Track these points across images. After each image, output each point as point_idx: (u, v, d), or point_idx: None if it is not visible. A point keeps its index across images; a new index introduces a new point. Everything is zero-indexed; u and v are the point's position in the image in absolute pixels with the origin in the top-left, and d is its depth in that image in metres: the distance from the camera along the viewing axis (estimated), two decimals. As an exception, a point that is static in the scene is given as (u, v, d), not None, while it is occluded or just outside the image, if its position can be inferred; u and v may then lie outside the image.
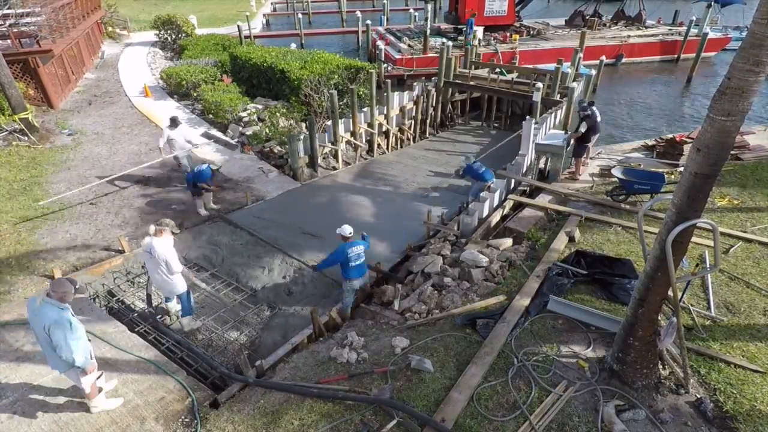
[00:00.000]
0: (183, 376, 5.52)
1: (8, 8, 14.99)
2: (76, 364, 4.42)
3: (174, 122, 10.38)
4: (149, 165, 11.11)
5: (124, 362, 5.69)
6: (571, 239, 7.55)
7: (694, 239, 6.22)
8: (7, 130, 12.62)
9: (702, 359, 5.05)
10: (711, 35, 26.20)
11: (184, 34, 25.55)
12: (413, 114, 16.45)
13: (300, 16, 32.43)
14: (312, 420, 4.68)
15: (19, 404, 5.03)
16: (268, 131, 13.55)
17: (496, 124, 17.89)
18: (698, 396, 4.62)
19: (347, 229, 7.09)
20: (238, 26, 27.46)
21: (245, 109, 14.80)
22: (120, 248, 8.19)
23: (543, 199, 9.30)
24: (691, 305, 5.84)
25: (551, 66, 16.59)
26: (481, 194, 9.62)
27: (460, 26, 26.51)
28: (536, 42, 26.37)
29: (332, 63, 15.70)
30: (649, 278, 4.27)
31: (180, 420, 4.92)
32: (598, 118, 10.03)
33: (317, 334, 6.57)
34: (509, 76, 17.43)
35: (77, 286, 4.52)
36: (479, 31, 24.46)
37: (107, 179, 10.57)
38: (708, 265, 6.63)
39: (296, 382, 5.26)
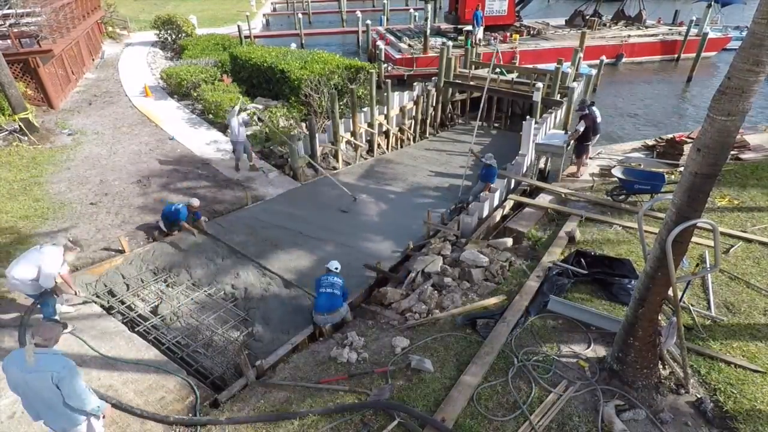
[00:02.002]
0: (183, 376, 5.53)
1: (8, 8, 14.97)
2: (92, 407, 3.86)
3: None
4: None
5: (123, 362, 5.69)
6: (571, 239, 7.55)
7: (694, 239, 6.22)
8: (7, 130, 12.63)
9: (702, 359, 5.05)
10: (711, 35, 26.21)
11: (184, 34, 25.55)
12: (413, 114, 16.45)
13: (300, 16, 32.42)
14: (312, 420, 4.68)
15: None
16: (268, 131, 13.55)
17: (496, 124, 17.89)
18: (698, 396, 4.61)
19: (332, 264, 7.01)
20: (238, 26, 27.48)
21: (245, 109, 14.79)
22: (120, 248, 8.20)
23: (543, 199, 9.30)
24: (691, 305, 5.83)
25: (551, 66, 16.59)
26: (481, 194, 9.63)
27: (460, 26, 26.49)
28: (536, 42, 26.36)
29: (332, 63, 15.71)
30: (649, 278, 4.27)
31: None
32: (598, 119, 10.03)
33: (317, 333, 6.58)
34: (509, 76, 17.43)
35: (67, 328, 4.05)
36: (479, 31, 24.46)
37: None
38: (708, 265, 6.63)
39: (296, 383, 5.26)
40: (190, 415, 4.96)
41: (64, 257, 5.96)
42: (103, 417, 4.19)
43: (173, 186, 10.77)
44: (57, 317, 6.04)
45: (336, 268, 6.92)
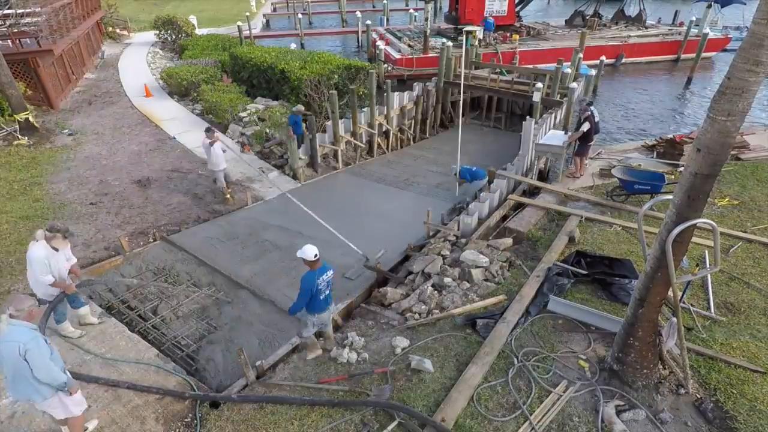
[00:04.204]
0: (184, 375, 5.53)
1: (8, 8, 14.98)
2: (59, 383, 3.97)
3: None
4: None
5: (123, 362, 5.69)
6: (571, 239, 7.55)
7: (694, 239, 6.22)
8: (7, 130, 12.63)
9: (702, 359, 5.05)
10: (711, 35, 26.23)
11: (184, 34, 25.58)
12: (413, 114, 16.45)
13: (300, 16, 32.44)
14: (312, 420, 4.68)
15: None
16: (268, 131, 13.56)
17: (497, 125, 17.90)
18: (698, 396, 4.62)
19: (310, 252, 5.17)
20: (238, 26, 27.48)
21: (245, 109, 14.81)
22: (120, 248, 8.19)
23: (543, 199, 9.30)
24: (691, 305, 5.84)
25: (551, 66, 16.58)
26: (482, 194, 9.63)
27: (460, 26, 26.52)
28: (536, 42, 26.37)
29: (332, 63, 15.70)
30: (649, 278, 4.27)
31: (180, 420, 4.92)
32: (597, 119, 10.03)
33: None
34: (509, 76, 17.44)
35: (38, 299, 4.05)
36: (479, 31, 24.48)
37: None
38: (708, 265, 6.63)
39: (296, 383, 5.26)
40: (191, 415, 4.96)
41: (53, 247, 5.30)
42: (71, 395, 4.20)
43: (173, 186, 10.77)
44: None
45: (315, 256, 5.21)
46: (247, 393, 5.24)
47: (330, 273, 5.40)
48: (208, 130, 9.73)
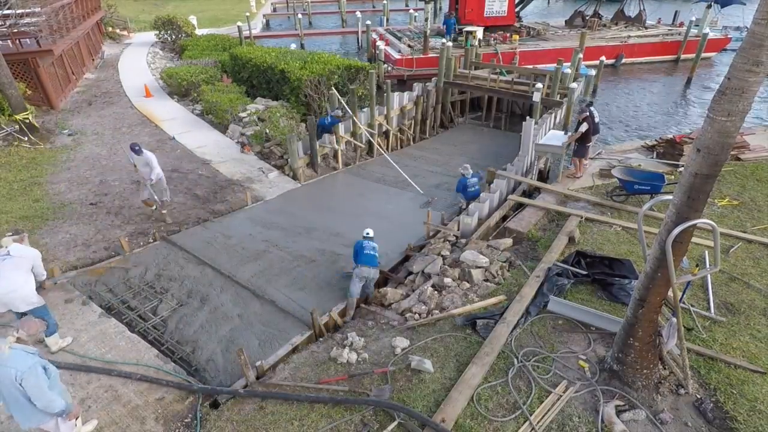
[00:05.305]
0: (184, 375, 5.53)
1: (8, 8, 14.97)
2: (58, 410, 3.89)
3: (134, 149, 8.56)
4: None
5: (123, 362, 5.69)
6: (571, 239, 7.55)
7: (694, 239, 6.23)
8: (7, 130, 12.63)
9: (702, 359, 5.05)
10: (711, 36, 26.23)
11: (184, 35, 25.59)
12: (413, 114, 16.45)
13: (300, 16, 32.43)
14: (312, 420, 4.68)
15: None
16: (268, 131, 13.56)
17: (496, 125, 17.91)
18: (698, 396, 4.62)
19: (367, 232, 7.64)
20: (238, 27, 27.47)
21: (245, 110, 14.81)
22: (120, 248, 8.19)
23: (543, 199, 9.30)
24: (691, 305, 5.84)
25: (551, 66, 16.58)
26: (482, 194, 9.63)
27: (460, 27, 26.54)
28: (536, 42, 26.37)
29: (332, 63, 15.70)
30: (649, 278, 4.27)
31: (180, 420, 4.92)
32: (597, 119, 10.03)
33: (317, 334, 6.58)
34: (509, 77, 17.45)
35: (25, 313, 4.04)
36: (479, 31, 24.47)
37: None
38: (708, 266, 6.63)
39: (296, 383, 5.26)
40: (191, 415, 4.96)
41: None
42: (76, 418, 4.25)
43: (174, 186, 10.76)
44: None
45: (367, 233, 7.55)
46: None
47: (373, 243, 7.44)
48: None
